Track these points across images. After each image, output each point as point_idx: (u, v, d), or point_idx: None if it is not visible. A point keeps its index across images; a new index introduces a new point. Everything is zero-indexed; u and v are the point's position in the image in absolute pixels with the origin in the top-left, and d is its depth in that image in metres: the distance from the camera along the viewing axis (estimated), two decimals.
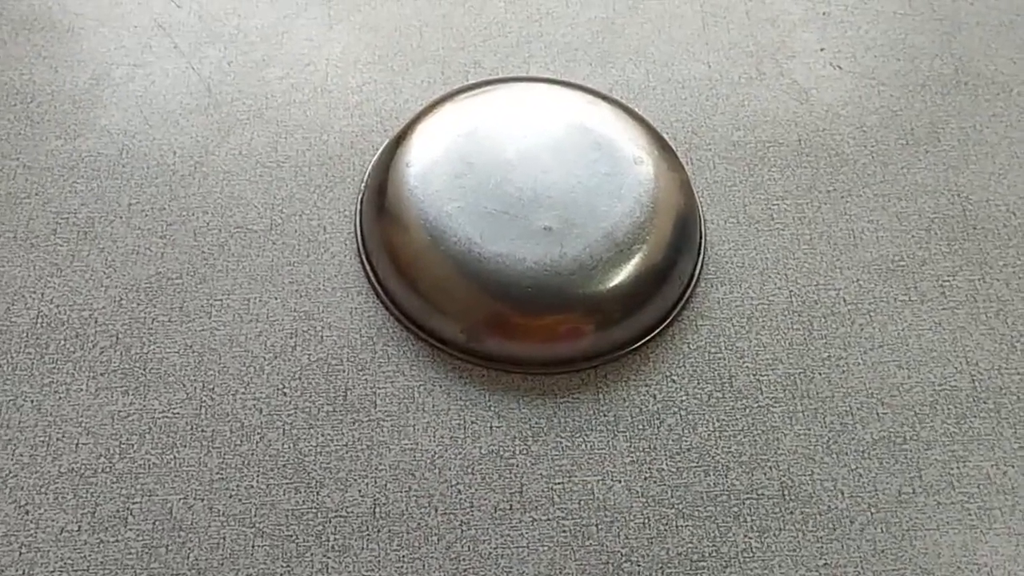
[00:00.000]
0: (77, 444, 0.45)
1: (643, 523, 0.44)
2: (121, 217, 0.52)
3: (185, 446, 0.45)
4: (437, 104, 0.54)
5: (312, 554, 0.43)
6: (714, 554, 0.44)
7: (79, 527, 0.43)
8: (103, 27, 0.60)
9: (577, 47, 0.62)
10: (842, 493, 0.46)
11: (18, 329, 0.48)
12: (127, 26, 0.60)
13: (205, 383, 0.47)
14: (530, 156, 0.50)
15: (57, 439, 0.45)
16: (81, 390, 0.46)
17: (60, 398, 0.46)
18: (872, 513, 0.45)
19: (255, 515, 0.43)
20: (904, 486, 0.46)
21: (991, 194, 0.55)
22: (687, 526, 0.44)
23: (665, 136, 0.55)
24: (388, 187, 0.50)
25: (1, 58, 0.58)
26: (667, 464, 0.46)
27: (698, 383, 0.49)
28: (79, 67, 0.58)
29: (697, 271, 0.52)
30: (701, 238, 0.53)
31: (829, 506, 0.45)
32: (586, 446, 0.46)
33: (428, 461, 0.45)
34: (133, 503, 0.43)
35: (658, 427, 0.47)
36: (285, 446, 0.45)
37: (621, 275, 0.49)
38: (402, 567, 0.43)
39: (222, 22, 0.61)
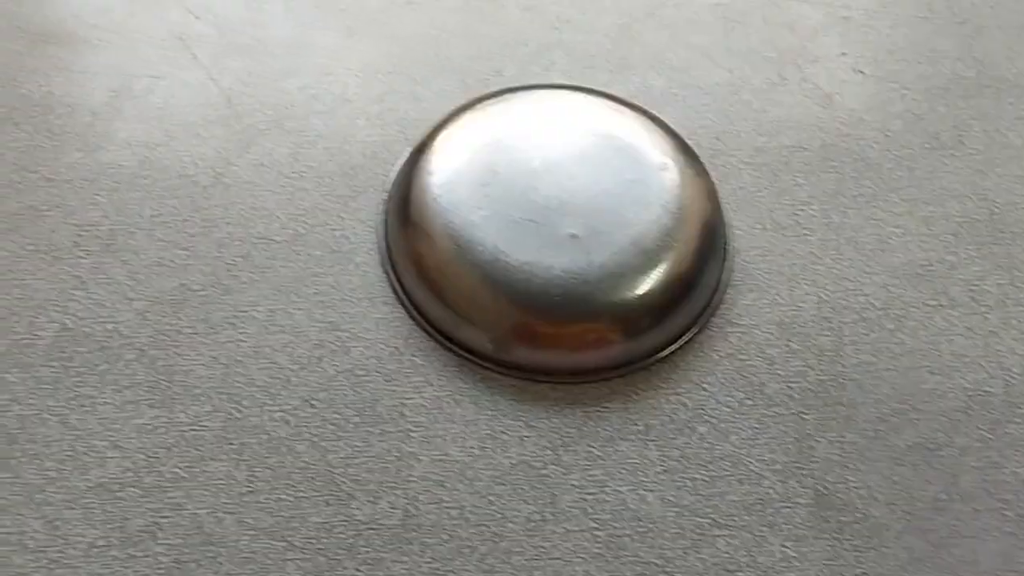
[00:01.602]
0: (104, 458, 0.44)
1: (678, 533, 0.44)
2: (143, 229, 0.51)
3: (213, 459, 0.44)
4: (459, 113, 0.53)
5: (344, 567, 0.42)
6: (751, 564, 0.43)
7: (108, 542, 0.42)
8: (122, 39, 0.60)
9: (597, 54, 0.62)
10: (877, 501, 0.45)
11: (42, 343, 0.47)
12: (146, 38, 0.60)
13: (232, 395, 0.46)
14: (555, 163, 0.50)
15: (84, 453, 0.44)
16: (107, 403, 0.46)
17: (86, 412, 0.45)
18: (908, 521, 0.45)
19: (285, 528, 0.43)
20: (940, 493, 0.46)
21: (1018, 197, 0.55)
22: (722, 536, 0.44)
23: (688, 142, 0.54)
24: (412, 197, 0.50)
25: (19, 70, 0.58)
26: (700, 473, 0.46)
27: (729, 391, 0.48)
28: (98, 79, 0.58)
29: (725, 278, 0.52)
30: (727, 245, 0.53)
31: (865, 514, 0.45)
32: (617, 456, 0.46)
33: (458, 472, 0.45)
34: (162, 517, 0.43)
35: (690, 436, 0.47)
36: (314, 458, 0.45)
37: (649, 282, 0.48)
38: None
39: (241, 33, 0.61)
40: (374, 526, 0.43)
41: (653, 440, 0.46)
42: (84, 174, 0.54)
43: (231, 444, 0.45)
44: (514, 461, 0.45)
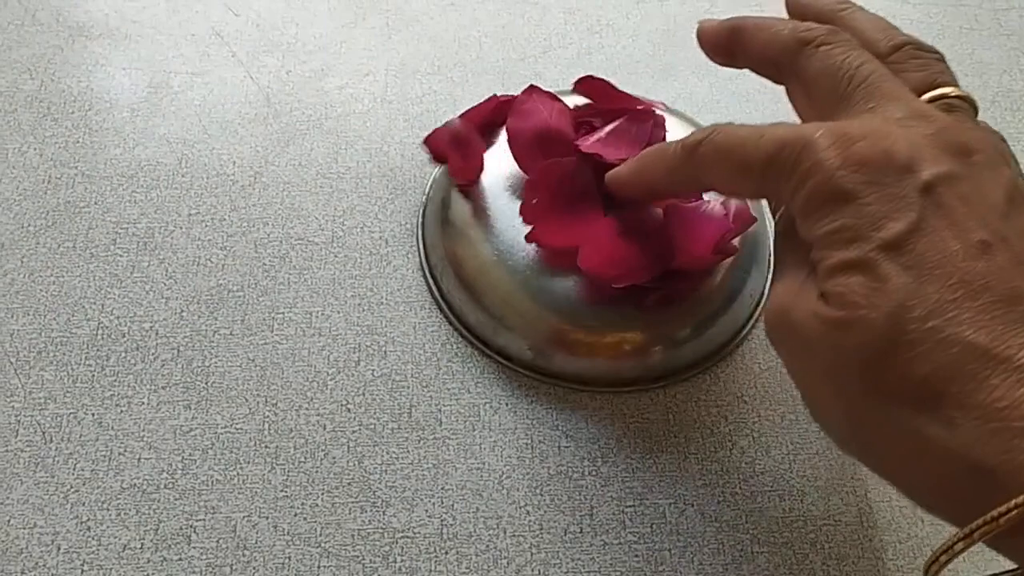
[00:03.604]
0: (139, 459, 0.44)
1: (717, 549, 0.43)
2: (181, 228, 0.51)
3: (249, 462, 0.44)
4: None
5: (379, 575, 0.41)
6: None
7: (142, 544, 0.42)
8: (160, 35, 0.60)
9: (639, 59, 0.61)
10: (922, 520, 0.44)
11: (78, 340, 0.47)
12: (185, 34, 0.60)
13: (268, 398, 0.46)
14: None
15: (119, 454, 0.44)
16: (143, 404, 0.45)
17: (121, 411, 0.45)
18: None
19: (320, 534, 0.42)
20: None
21: None
22: (763, 552, 0.43)
23: None
24: (452, 200, 0.50)
25: (58, 65, 0.58)
26: (740, 488, 0.45)
27: (770, 404, 0.47)
28: (137, 75, 0.58)
29: (767, 289, 0.51)
30: (770, 255, 0.52)
31: (909, 533, 0.44)
32: (657, 468, 0.45)
33: (496, 481, 0.44)
34: (196, 520, 0.42)
35: (730, 449, 0.46)
36: (350, 464, 0.44)
37: (691, 292, 0.47)
38: None
39: (280, 31, 0.60)
40: (410, 534, 0.43)
41: (693, 453, 0.45)
42: (122, 170, 0.53)
43: (267, 447, 0.44)
44: (552, 471, 0.45)
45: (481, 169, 0.50)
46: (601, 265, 0.44)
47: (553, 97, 0.50)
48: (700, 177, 0.36)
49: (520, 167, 0.48)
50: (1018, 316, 0.26)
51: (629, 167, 0.41)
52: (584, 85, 0.51)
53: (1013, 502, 0.26)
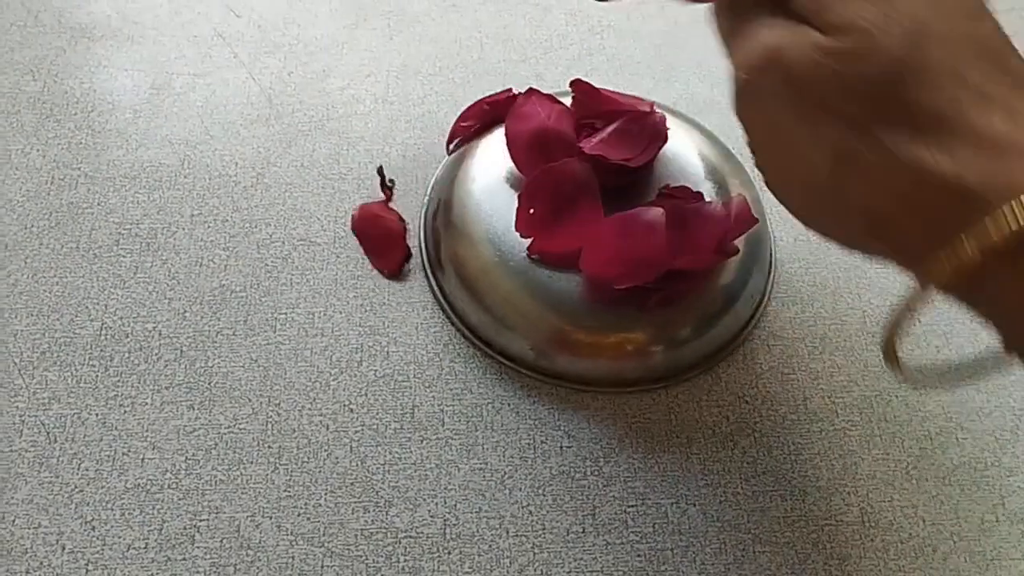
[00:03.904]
0: (143, 459, 0.44)
1: (719, 548, 0.43)
2: (184, 228, 0.51)
3: (252, 463, 0.44)
4: (499, 117, 0.53)
5: (383, 575, 0.42)
6: None
7: (146, 544, 0.42)
8: (163, 36, 0.60)
9: (640, 60, 0.61)
10: (923, 520, 0.45)
11: (82, 341, 0.47)
12: (187, 35, 0.60)
13: (271, 398, 0.46)
14: None
15: (123, 454, 0.44)
16: (146, 404, 0.45)
17: (125, 412, 0.45)
18: (955, 542, 0.44)
19: (324, 534, 0.42)
20: (987, 514, 0.45)
21: None
22: (764, 552, 0.43)
23: (732, 150, 0.53)
24: (453, 201, 0.50)
25: (61, 66, 0.58)
26: (743, 488, 0.45)
27: (772, 405, 0.48)
28: (139, 76, 0.58)
29: (768, 289, 0.51)
30: (771, 256, 0.52)
31: (910, 533, 0.44)
32: (659, 468, 0.45)
33: (498, 481, 0.44)
34: (200, 520, 0.42)
35: (732, 449, 0.46)
36: (353, 464, 0.44)
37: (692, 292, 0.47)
38: None
39: (282, 32, 0.60)
40: (413, 534, 0.43)
41: (695, 453, 0.46)
42: (125, 171, 0.53)
43: (270, 447, 0.45)
44: (554, 471, 0.45)
45: (405, 261, 0.51)
46: (603, 267, 0.44)
47: (553, 99, 0.50)
48: None
49: (519, 170, 0.48)
50: (1000, 69, 0.27)
51: None
52: (574, 89, 0.50)
53: (1002, 213, 0.26)
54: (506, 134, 0.48)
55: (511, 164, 0.48)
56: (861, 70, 0.28)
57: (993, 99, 0.27)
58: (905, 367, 0.33)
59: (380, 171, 0.52)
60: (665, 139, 0.49)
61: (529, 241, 0.46)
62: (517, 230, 0.46)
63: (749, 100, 0.32)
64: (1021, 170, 0.26)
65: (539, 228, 0.45)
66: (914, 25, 0.27)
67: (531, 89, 0.49)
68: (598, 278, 0.44)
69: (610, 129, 0.47)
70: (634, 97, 0.50)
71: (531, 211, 0.45)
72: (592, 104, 0.49)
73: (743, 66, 0.31)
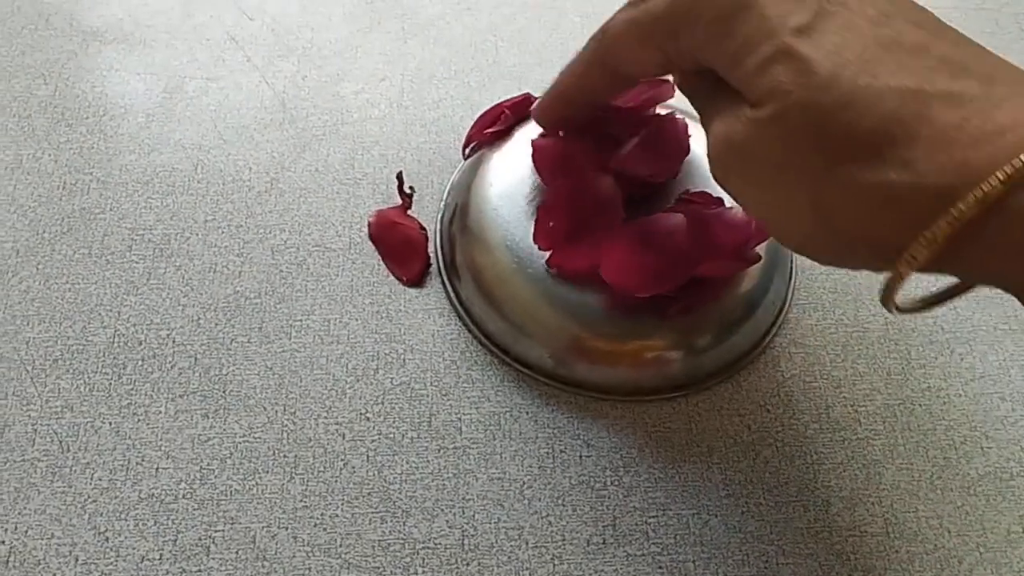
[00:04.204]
0: (157, 469, 0.43)
1: (742, 560, 0.42)
2: (197, 234, 0.51)
3: (267, 472, 0.43)
4: (517, 121, 0.52)
5: None
6: None
7: (160, 555, 0.41)
8: (175, 40, 0.59)
9: None
10: (948, 531, 0.44)
11: (95, 348, 0.46)
12: (200, 39, 0.59)
13: (287, 406, 0.45)
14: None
15: (137, 463, 0.43)
16: (160, 412, 0.45)
17: (139, 420, 0.45)
18: (981, 553, 0.43)
19: (340, 545, 0.42)
20: (1013, 524, 0.44)
21: None
22: (788, 564, 0.43)
23: None
24: (470, 206, 0.49)
25: (72, 70, 0.57)
26: (765, 498, 0.44)
27: (794, 413, 0.47)
28: (151, 80, 0.57)
29: (790, 296, 0.51)
30: (792, 262, 0.52)
31: (936, 544, 0.43)
32: (679, 478, 0.45)
33: (517, 491, 0.44)
34: (215, 531, 0.42)
35: (754, 459, 0.45)
36: (370, 473, 0.44)
37: (713, 299, 0.47)
38: None
39: (295, 35, 0.60)
40: (431, 545, 0.42)
41: (716, 463, 0.45)
42: (137, 176, 0.53)
43: (285, 456, 0.44)
44: (574, 481, 0.44)
45: (426, 269, 0.51)
46: (625, 276, 0.44)
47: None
48: (612, 62, 0.37)
49: (544, 183, 0.47)
50: (931, 62, 0.28)
51: (548, 91, 0.43)
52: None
53: (971, 195, 0.27)
54: (532, 147, 0.47)
55: (528, 169, 0.47)
56: (795, 126, 0.30)
57: (928, 94, 0.28)
58: (904, 308, 0.36)
59: (399, 177, 0.51)
60: (688, 150, 0.48)
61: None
62: (536, 242, 0.45)
63: (722, 179, 0.35)
64: (975, 156, 0.27)
65: (559, 241, 0.45)
66: (827, 64, 0.29)
67: None
68: (620, 287, 0.43)
69: (635, 142, 0.46)
70: (652, 83, 0.49)
71: (551, 224, 0.45)
72: (610, 113, 0.48)
73: (708, 153, 0.34)
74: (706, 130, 0.36)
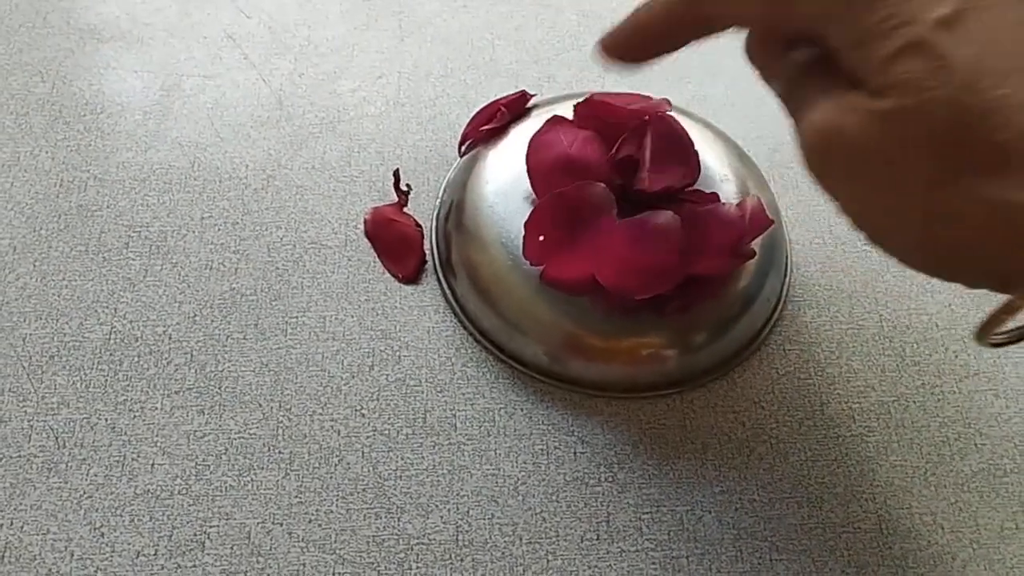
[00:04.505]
0: (153, 464, 0.43)
1: (735, 556, 0.43)
2: (194, 231, 0.51)
3: (262, 468, 0.44)
4: (513, 119, 0.52)
5: None
6: None
7: (156, 551, 0.41)
8: (172, 38, 0.59)
9: None
10: (942, 528, 0.44)
11: (91, 345, 0.47)
12: (197, 37, 0.59)
13: (282, 403, 0.45)
14: None
15: (132, 459, 0.44)
16: (156, 408, 0.45)
17: (135, 416, 0.45)
18: (974, 549, 0.43)
19: (335, 541, 0.42)
20: (1007, 521, 0.44)
21: None
22: (781, 560, 0.43)
23: (747, 152, 0.53)
24: (466, 204, 0.49)
25: (69, 68, 0.58)
26: (759, 495, 0.44)
27: (788, 410, 0.47)
28: (149, 78, 0.57)
29: (784, 293, 0.51)
30: (787, 259, 0.52)
31: (929, 541, 0.43)
32: (673, 474, 0.45)
33: (511, 487, 0.44)
34: (210, 527, 0.42)
35: (748, 456, 0.45)
36: (364, 469, 0.44)
37: (708, 296, 0.47)
38: None
39: (292, 33, 0.60)
40: (425, 541, 0.42)
41: (710, 459, 0.45)
42: (135, 174, 0.53)
43: (280, 453, 0.44)
44: (568, 478, 0.44)
45: (422, 266, 0.51)
46: (620, 277, 0.43)
47: (577, 126, 0.49)
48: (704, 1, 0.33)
49: (535, 193, 0.47)
50: None
51: (624, 21, 0.37)
52: (586, 108, 0.49)
53: None
54: (527, 164, 0.47)
55: (523, 168, 0.47)
56: (921, 127, 0.27)
57: None
58: (998, 340, 0.33)
59: (396, 174, 0.51)
60: (697, 153, 0.47)
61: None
62: (526, 257, 0.45)
63: (820, 174, 0.32)
64: None
65: (551, 254, 0.44)
66: (966, 69, 0.27)
67: (555, 117, 0.48)
68: (618, 290, 0.43)
69: (648, 156, 0.46)
70: (646, 97, 0.50)
71: (540, 238, 0.45)
72: (603, 118, 0.48)
73: (805, 146, 0.31)
74: (794, 115, 0.33)
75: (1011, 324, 0.32)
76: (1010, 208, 0.27)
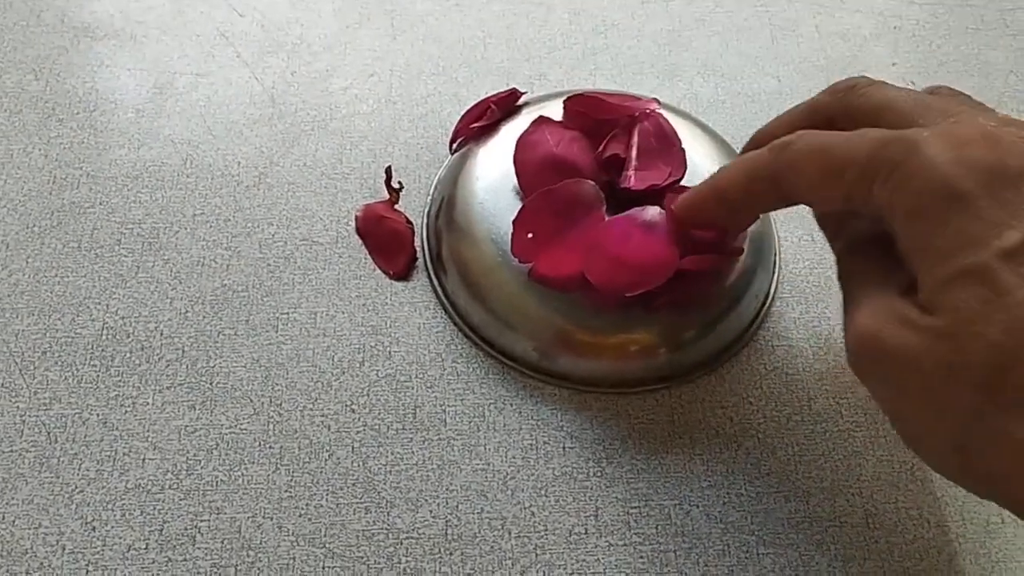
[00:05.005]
0: (144, 459, 0.44)
1: (723, 550, 0.43)
2: (186, 228, 0.51)
3: (253, 463, 0.44)
4: (503, 116, 0.52)
5: None
6: None
7: (147, 545, 0.42)
8: (165, 36, 0.60)
9: (644, 59, 0.61)
10: (928, 522, 0.44)
11: (83, 341, 0.47)
12: (190, 35, 0.60)
13: (273, 398, 0.46)
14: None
15: (124, 454, 0.44)
16: (147, 404, 0.45)
17: (126, 412, 0.45)
18: (960, 544, 0.44)
19: (325, 535, 0.42)
20: (992, 516, 0.45)
21: None
22: (768, 554, 0.43)
23: (737, 150, 0.53)
24: (457, 200, 0.49)
25: (63, 66, 0.58)
26: (746, 489, 0.45)
27: (776, 406, 0.47)
28: (142, 76, 0.58)
29: (773, 290, 0.51)
30: (776, 256, 0.52)
31: (915, 535, 0.44)
32: (662, 469, 0.45)
33: (500, 482, 0.44)
34: (201, 521, 0.42)
35: (736, 450, 0.46)
36: (355, 464, 0.44)
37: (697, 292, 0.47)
38: None
39: (285, 31, 0.60)
40: (415, 535, 0.42)
41: (699, 454, 0.45)
42: (127, 171, 0.53)
43: (271, 448, 0.44)
44: (557, 472, 0.45)
45: (412, 263, 0.51)
46: (610, 275, 0.44)
47: (564, 126, 0.49)
48: (784, 181, 0.33)
49: (523, 191, 0.48)
50: None
51: (701, 186, 0.38)
52: (576, 103, 0.50)
53: None
54: (515, 164, 0.47)
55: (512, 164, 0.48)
56: (972, 359, 0.27)
57: None
58: None
59: (387, 172, 0.52)
60: (684, 152, 0.48)
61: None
62: (514, 254, 0.45)
63: (860, 374, 0.33)
64: None
65: (540, 252, 0.45)
66: (1020, 313, 0.26)
67: (541, 117, 0.49)
68: (605, 286, 0.43)
69: (634, 154, 0.46)
70: (634, 97, 0.50)
71: (528, 236, 0.45)
72: (592, 115, 0.49)
73: (848, 345, 0.32)
74: (844, 302, 0.33)
75: None
76: None
